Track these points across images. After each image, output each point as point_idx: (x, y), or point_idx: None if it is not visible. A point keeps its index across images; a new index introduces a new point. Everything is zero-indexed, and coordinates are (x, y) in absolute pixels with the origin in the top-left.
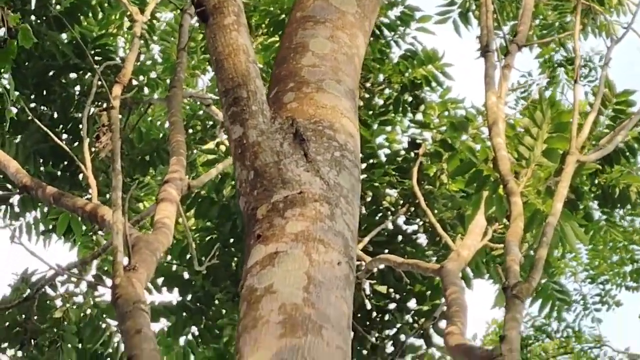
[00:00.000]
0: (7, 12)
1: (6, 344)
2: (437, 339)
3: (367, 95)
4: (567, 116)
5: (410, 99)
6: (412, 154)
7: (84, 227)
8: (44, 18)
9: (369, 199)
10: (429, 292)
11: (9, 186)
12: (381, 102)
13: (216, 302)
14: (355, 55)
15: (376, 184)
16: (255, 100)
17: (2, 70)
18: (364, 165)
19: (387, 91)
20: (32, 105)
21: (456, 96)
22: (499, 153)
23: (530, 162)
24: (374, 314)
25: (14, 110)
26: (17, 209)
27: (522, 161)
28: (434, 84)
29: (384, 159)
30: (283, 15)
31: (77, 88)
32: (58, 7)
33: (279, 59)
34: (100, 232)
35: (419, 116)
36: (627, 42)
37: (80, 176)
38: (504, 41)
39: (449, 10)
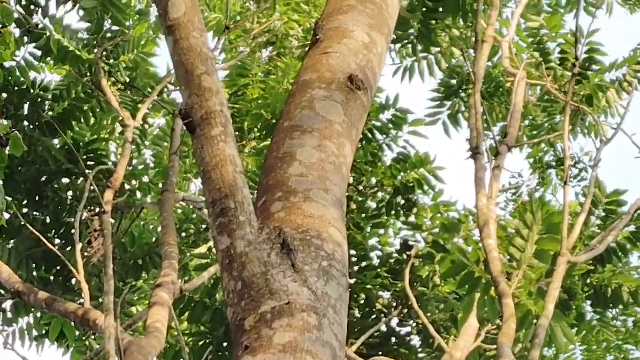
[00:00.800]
0: None
1: None
2: None
3: (360, 199)
4: (557, 217)
5: (402, 202)
6: (405, 256)
7: (77, 332)
8: (37, 124)
9: (362, 302)
10: None
11: (2, 292)
12: (374, 205)
13: None
14: (343, 164)
15: (369, 287)
16: (242, 211)
17: None
18: (356, 268)
19: (379, 194)
20: (25, 210)
21: (448, 198)
22: (490, 255)
23: (522, 263)
24: None
25: (7, 216)
26: (10, 315)
27: (514, 263)
28: (426, 187)
29: (376, 261)
30: (275, 120)
31: (70, 193)
32: (51, 112)
33: (267, 168)
34: (93, 337)
35: (412, 218)
36: (616, 142)
37: (73, 281)
38: (494, 142)
39: (438, 112)
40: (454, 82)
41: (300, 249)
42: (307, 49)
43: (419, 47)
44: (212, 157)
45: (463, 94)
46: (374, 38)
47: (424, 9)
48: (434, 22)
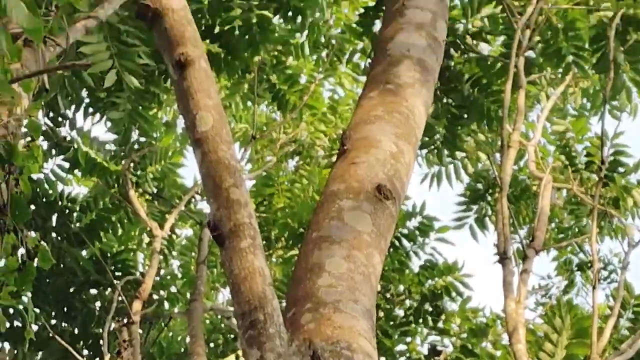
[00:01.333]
0: (25, 234)
1: None
2: None
3: (387, 306)
4: (586, 322)
5: (430, 309)
6: None
7: None
8: (65, 235)
9: None
10: None
11: None
12: (402, 312)
13: None
14: (372, 275)
15: None
16: (272, 323)
17: (23, 289)
18: None
19: (407, 302)
20: (53, 322)
21: (476, 303)
22: None
23: None
24: None
25: (35, 327)
26: None
27: None
28: (453, 294)
29: None
30: (301, 229)
31: (98, 304)
32: (78, 224)
33: (296, 278)
34: None
35: (439, 324)
36: None
37: None
38: (521, 245)
39: (465, 216)
40: (480, 186)
41: None
42: (333, 158)
43: (445, 152)
44: (241, 269)
45: (489, 198)
46: (401, 147)
47: (449, 115)
48: (459, 127)
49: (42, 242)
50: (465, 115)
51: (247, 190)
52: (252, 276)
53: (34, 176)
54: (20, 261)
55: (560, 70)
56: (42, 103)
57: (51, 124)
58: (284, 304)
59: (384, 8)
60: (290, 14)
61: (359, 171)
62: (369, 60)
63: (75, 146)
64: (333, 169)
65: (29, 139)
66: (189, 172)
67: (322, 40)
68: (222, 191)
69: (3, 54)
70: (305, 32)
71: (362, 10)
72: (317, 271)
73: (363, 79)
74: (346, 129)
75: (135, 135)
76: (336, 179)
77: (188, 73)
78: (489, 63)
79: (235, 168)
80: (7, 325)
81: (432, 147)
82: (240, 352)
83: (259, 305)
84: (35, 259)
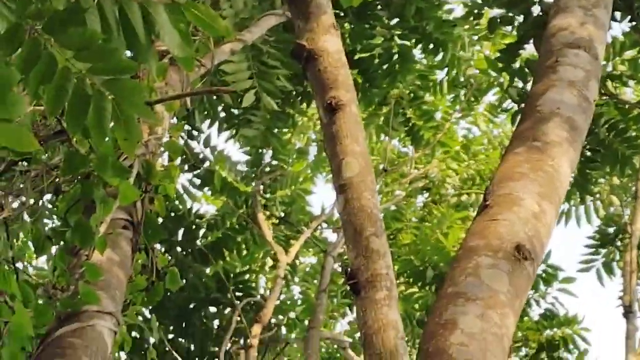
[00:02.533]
0: (156, 255)
1: None
2: None
3: None
4: None
5: (546, 359)
6: None
7: None
8: (190, 250)
9: None
10: None
11: None
12: (517, 359)
13: None
14: (504, 336)
15: None
16: None
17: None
18: None
19: (523, 349)
20: (170, 336)
21: (594, 357)
22: None
23: None
24: None
25: (152, 340)
26: None
27: None
28: (571, 346)
29: None
30: (422, 268)
31: (216, 322)
32: (204, 240)
33: (428, 333)
34: None
35: None
36: None
37: None
38: None
39: (592, 260)
40: (610, 230)
41: None
42: (462, 197)
43: (576, 194)
44: (375, 321)
45: (619, 243)
46: (543, 207)
47: (582, 158)
48: (591, 170)
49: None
50: (599, 159)
51: (387, 241)
52: (385, 329)
53: None
54: (148, 280)
55: None
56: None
57: (186, 137)
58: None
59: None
60: (431, 46)
61: (500, 229)
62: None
63: (209, 164)
64: (473, 224)
65: (166, 158)
66: (317, 199)
67: (461, 79)
68: (362, 239)
69: (149, 73)
70: (445, 69)
71: (499, 50)
72: (450, 327)
73: (498, 120)
74: (489, 184)
75: (267, 158)
76: (475, 235)
77: (338, 117)
78: (627, 108)
79: (377, 217)
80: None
81: None
82: None
83: (389, 359)
84: (162, 279)
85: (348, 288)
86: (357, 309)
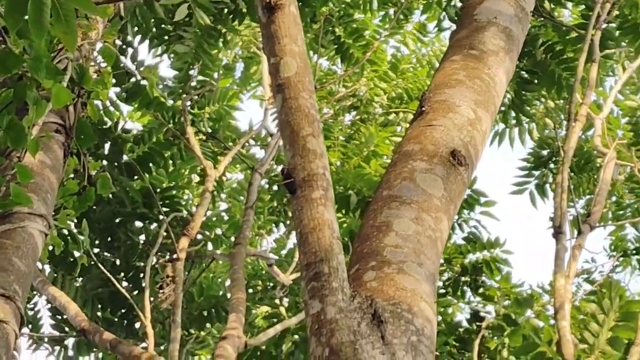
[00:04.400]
0: (88, 159)
1: None
2: None
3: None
4: (635, 306)
5: (469, 281)
6: (474, 326)
7: None
8: (116, 164)
9: None
10: None
11: (66, 328)
12: (440, 283)
13: None
14: (438, 239)
15: (435, 353)
16: (336, 277)
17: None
18: None
19: (446, 273)
20: (96, 250)
21: (517, 280)
22: (563, 338)
23: (595, 349)
24: None
25: (77, 254)
26: (71, 352)
27: (586, 347)
28: (494, 269)
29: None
30: (345, 194)
31: (142, 237)
32: (130, 155)
33: (362, 235)
34: None
35: (478, 298)
36: None
37: (137, 324)
38: (577, 220)
39: (526, 182)
40: (544, 152)
41: (390, 321)
42: (390, 116)
43: (512, 115)
44: (311, 220)
45: (552, 165)
46: (479, 115)
47: (519, 79)
48: (528, 92)
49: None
50: (536, 81)
51: (324, 141)
52: (321, 227)
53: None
54: (80, 185)
55: (637, 45)
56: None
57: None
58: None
59: None
60: None
61: (435, 134)
62: (440, 18)
63: (135, 78)
64: (409, 129)
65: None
66: (244, 116)
67: None
68: (299, 139)
69: None
70: None
71: None
72: (384, 230)
73: (427, 39)
74: (426, 90)
75: (195, 74)
76: (411, 139)
77: (277, 17)
78: (564, 30)
79: (314, 117)
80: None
81: (500, 108)
82: (277, 301)
83: (325, 258)
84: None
85: (284, 187)
86: (293, 208)
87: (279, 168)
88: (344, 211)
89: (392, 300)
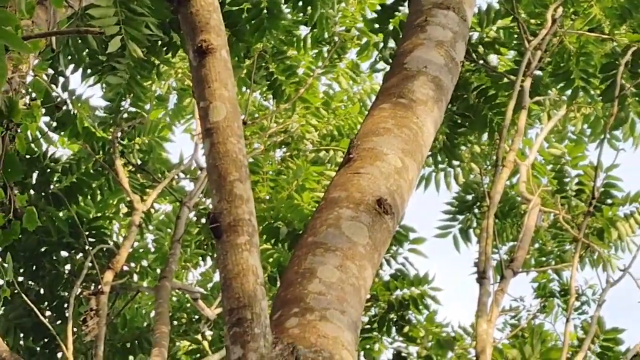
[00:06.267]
0: (15, 193)
1: None
2: None
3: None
4: (555, 353)
5: (395, 318)
6: None
7: None
8: (43, 193)
9: None
10: None
11: None
12: (366, 319)
13: None
14: (362, 287)
15: None
16: (258, 323)
17: None
18: None
19: (373, 309)
20: (20, 279)
21: (443, 318)
22: None
23: None
24: None
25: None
26: None
27: None
28: (421, 306)
29: None
30: (275, 225)
31: (67, 267)
32: (58, 184)
33: (286, 281)
34: None
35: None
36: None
37: (59, 354)
38: (500, 265)
39: (450, 226)
40: (469, 197)
41: None
42: (321, 154)
43: (439, 158)
44: (235, 265)
45: (477, 210)
46: (406, 163)
47: (451, 122)
48: (459, 136)
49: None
50: (467, 124)
51: (251, 187)
52: (245, 273)
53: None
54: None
55: (567, 93)
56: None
57: (48, 80)
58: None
59: (405, 9)
60: (300, 3)
61: (362, 182)
62: (375, 60)
63: (66, 107)
64: (336, 176)
65: (29, 97)
66: (175, 148)
67: (326, 36)
68: (226, 184)
69: (17, 10)
70: (312, 25)
71: (374, 11)
72: (308, 276)
73: (359, 79)
74: (354, 137)
75: (126, 104)
76: (338, 186)
77: (208, 61)
78: (497, 75)
79: (242, 163)
80: None
81: (430, 151)
82: (200, 336)
83: (247, 304)
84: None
85: (204, 234)
86: (218, 253)
87: (209, 201)
88: (273, 242)
89: (313, 347)
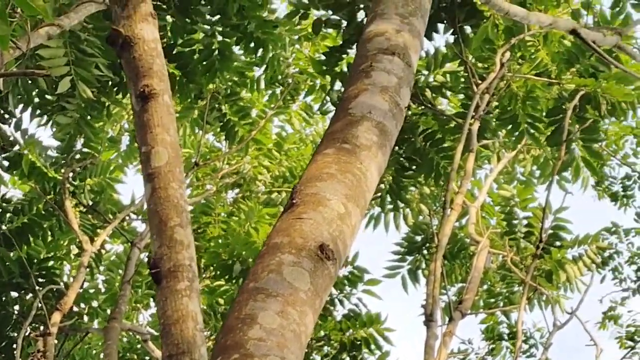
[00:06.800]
0: None
1: None
2: None
3: (305, 350)
4: None
5: (348, 359)
6: None
7: None
8: None
9: None
10: None
11: None
12: (318, 358)
13: None
14: (302, 334)
15: None
16: None
17: None
18: None
19: (325, 348)
20: None
21: (394, 359)
22: None
23: None
24: None
25: None
26: None
27: None
28: (373, 346)
29: None
30: (231, 261)
31: (17, 307)
32: (9, 225)
33: (226, 327)
34: None
35: None
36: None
37: None
38: (449, 307)
39: (398, 266)
40: (418, 238)
41: None
42: (273, 195)
43: (388, 200)
44: (174, 311)
45: (426, 251)
46: (349, 209)
47: (398, 165)
48: (405, 179)
49: None
50: (414, 167)
51: (191, 232)
52: (184, 319)
53: None
54: None
55: (514, 136)
56: None
57: None
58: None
59: (353, 51)
60: (252, 45)
61: (305, 227)
62: (324, 102)
63: (18, 147)
64: (278, 222)
65: None
66: (127, 189)
67: (279, 77)
68: (167, 229)
69: None
70: (264, 67)
71: (322, 53)
72: (249, 322)
73: (312, 120)
74: (297, 183)
75: (78, 145)
76: (280, 232)
77: (150, 106)
78: (444, 119)
79: (183, 208)
80: None
81: (377, 194)
82: None
83: (187, 350)
84: None
85: (151, 277)
86: (158, 299)
87: None
88: (226, 278)
89: None
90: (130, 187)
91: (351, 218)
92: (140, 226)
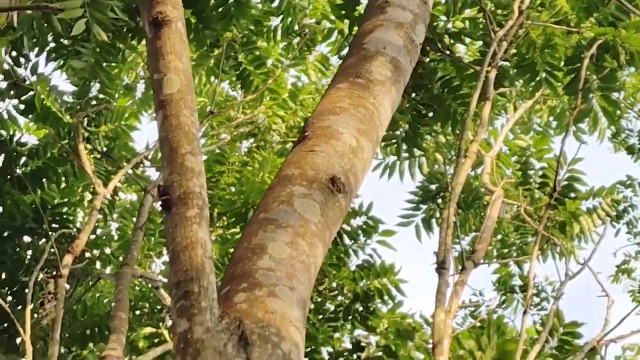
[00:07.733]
0: None
1: None
2: None
3: (318, 299)
4: (512, 345)
5: (360, 308)
6: (356, 356)
7: None
8: (8, 177)
9: None
10: None
11: None
12: (332, 307)
13: None
14: (312, 265)
15: None
16: (205, 297)
17: None
18: None
19: (339, 298)
20: None
21: (407, 308)
22: None
23: None
24: None
25: None
26: None
27: None
28: (386, 297)
29: (326, 356)
30: (245, 209)
31: (29, 252)
32: (24, 168)
33: (236, 257)
34: None
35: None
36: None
37: (18, 340)
38: (462, 256)
39: (413, 215)
40: (433, 187)
41: (257, 344)
42: (287, 145)
43: (404, 148)
44: (184, 238)
45: (440, 200)
46: (361, 143)
47: (414, 112)
48: (422, 125)
49: None
50: (431, 114)
51: (203, 161)
52: (193, 246)
53: None
54: None
55: (532, 85)
56: (8, 40)
57: (12, 63)
58: (219, 283)
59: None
60: None
61: (316, 160)
62: (342, 46)
63: (34, 91)
64: (290, 154)
65: None
66: (142, 137)
67: (296, 27)
68: (177, 157)
69: None
70: (281, 16)
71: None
72: (258, 252)
73: (329, 72)
74: (310, 116)
75: (94, 91)
76: (291, 164)
77: (163, 33)
78: (462, 66)
79: (194, 136)
80: None
81: (393, 140)
82: (161, 324)
83: (195, 277)
84: None
85: (160, 204)
86: (167, 226)
87: None
88: (241, 225)
89: (260, 323)
90: (145, 135)
91: (363, 152)
92: (154, 174)
